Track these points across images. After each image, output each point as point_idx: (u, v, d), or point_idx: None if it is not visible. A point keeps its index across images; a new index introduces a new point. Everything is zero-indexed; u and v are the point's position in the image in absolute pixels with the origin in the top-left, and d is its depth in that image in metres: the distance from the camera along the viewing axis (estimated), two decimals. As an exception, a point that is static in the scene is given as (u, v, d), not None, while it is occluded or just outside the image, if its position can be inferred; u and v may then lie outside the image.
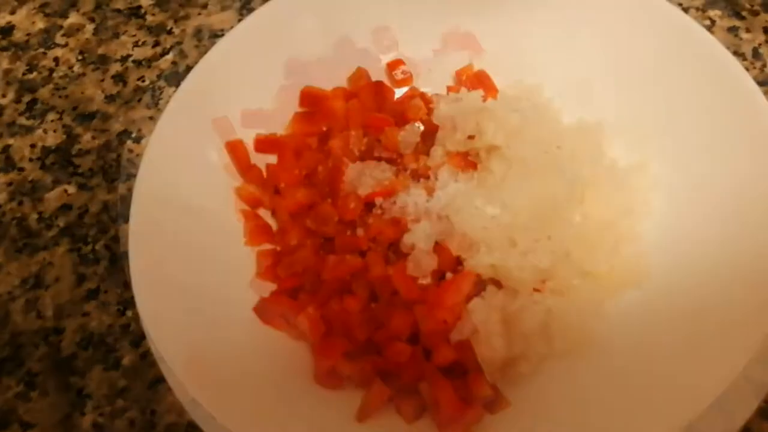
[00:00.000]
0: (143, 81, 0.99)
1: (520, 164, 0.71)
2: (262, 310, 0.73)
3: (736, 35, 0.96)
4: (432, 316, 0.68)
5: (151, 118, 0.96)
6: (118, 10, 1.07)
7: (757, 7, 0.99)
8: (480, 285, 0.70)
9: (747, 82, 0.75)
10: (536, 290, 0.70)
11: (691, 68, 0.78)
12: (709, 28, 0.96)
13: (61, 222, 0.88)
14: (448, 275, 0.70)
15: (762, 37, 0.96)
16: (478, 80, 0.86)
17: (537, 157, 0.71)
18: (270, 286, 0.76)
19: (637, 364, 0.68)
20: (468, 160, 0.77)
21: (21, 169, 0.93)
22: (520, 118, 0.74)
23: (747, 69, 0.89)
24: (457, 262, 0.71)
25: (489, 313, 0.68)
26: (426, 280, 0.70)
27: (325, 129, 0.84)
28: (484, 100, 0.78)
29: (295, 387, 0.69)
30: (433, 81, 0.88)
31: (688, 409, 0.61)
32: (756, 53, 0.94)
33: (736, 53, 0.93)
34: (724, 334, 0.65)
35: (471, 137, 0.76)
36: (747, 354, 0.62)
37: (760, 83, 0.89)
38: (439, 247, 0.71)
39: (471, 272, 0.69)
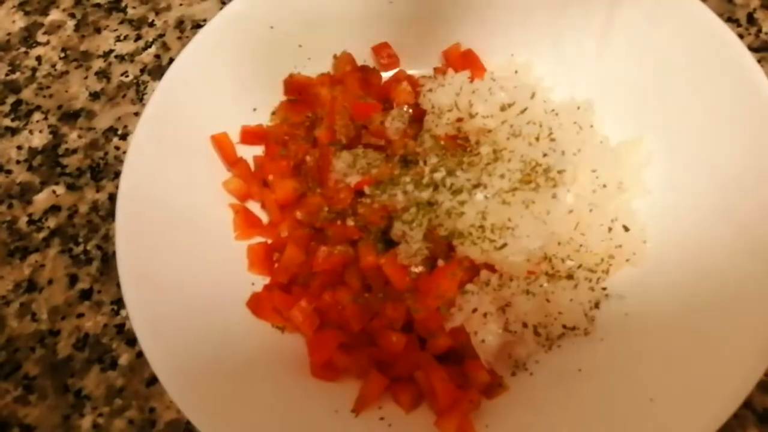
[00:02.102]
0: (127, 76, 0.98)
1: (509, 146, 0.69)
2: (255, 304, 0.72)
3: (729, 1, 0.93)
4: (425, 305, 0.67)
5: (136, 113, 0.94)
6: (99, 5, 1.05)
7: (751, -29, 0.96)
8: (473, 271, 0.69)
9: (741, 51, 0.72)
10: (531, 273, 0.69)
11: (682, 40, 0.75)
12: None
13: (51, 223, 0.87)
14: (440, 262, 0.69)
15: (756, 2, 0.93)
16: (465, 60, 0.84)
17: (527, 137, 0.70)
18: (262, 279, 0.76)
19: (637, 344, 0.67)
20: (457, 144, 0.75)
21: (8, 172, 0.92)
22: (509, 98, 0.72)
23: (741, 35, 0.88)
24: (449, 249, 0.70)
25: (483, 299, 0.67)
26: (418, 269, 0.69)
27: (311, 117, 0.83)
28: (471, 81, 0.76)
29: (291, 381, 0.69)
30: (420, 62, 0.86)
31: (689, 389, 0.61)
32: (751, 18, 0.92)
33: (730, 19, 0.91)
34: (725, 310, 0.64)
35: (459, 120, 0.75)
36: (753, 326, 0.61)
37: (755, 50, 0.88)
38: (430, 234, 0.70)
39: (463, 258, 0.68)
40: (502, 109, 0.71)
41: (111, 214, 0.87)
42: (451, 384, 0.64)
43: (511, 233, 0.66)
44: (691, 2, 0.75)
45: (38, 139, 0.94)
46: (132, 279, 0.66)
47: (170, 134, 0.76)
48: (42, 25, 1.04)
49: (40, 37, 1.03)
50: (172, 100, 0.77)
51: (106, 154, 0.92)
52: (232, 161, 0.79)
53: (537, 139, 0.69)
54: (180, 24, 1.01)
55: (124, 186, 0.71)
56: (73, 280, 0.83)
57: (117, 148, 0.92)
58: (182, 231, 0.73)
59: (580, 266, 0.69)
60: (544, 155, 0.67)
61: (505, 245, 0.66)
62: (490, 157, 0.70)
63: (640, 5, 0.78)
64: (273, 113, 0.84)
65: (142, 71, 0.98)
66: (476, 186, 0.67)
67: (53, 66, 1.00)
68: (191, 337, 0.66)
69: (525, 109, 0.71)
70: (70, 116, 0.95)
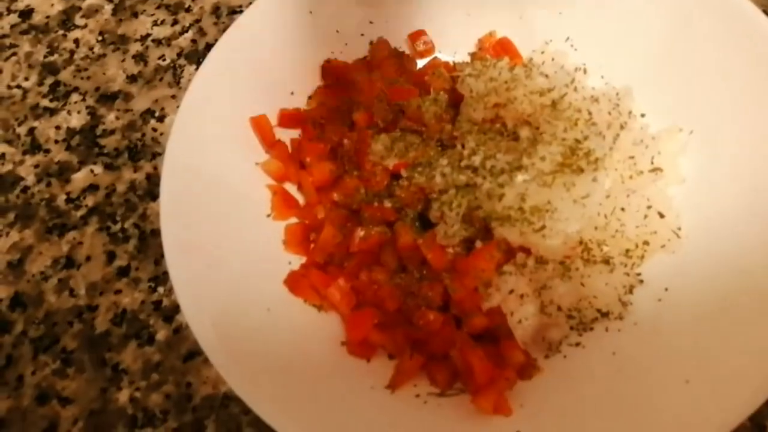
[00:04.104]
0: (164, 60, 0.99)
1: (549, 129, 0.70)
2: (292, 282, 0.73)
3: (766, -6, 0.93)
4: (462, 285, 0.68)
5: (173, 96, 0.96)
6: (136, -10, 1.06)
7: (786, -35, 0.96)
8: (510, 253, 0.70)
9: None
10: (567, 257, 0.70)
11: (722, 31, 0.76)
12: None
13: (89, 202, 0.89)
14: (478, 243, 0.70)
15: (793, -4, 0.93)
16: (501, 47, 0.85)
17: (565, 122, 0.71)
18: (298, 259, 0.77)
19: (671, 329, 0.68)
20: (495, 128, 0.76)
21: (47, 151, 0.94)
22: (548, 83, 0.73)
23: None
24: (486, 230, 0.71)
25: (520, 281, 0.68)
26: (455, 249, 0.70)
27: (347, 102, 0.84)
28: (511, 69, 0.76)
29: (328, 358, 0.70)
30: (455, 49, 0.87)
31: (725, 371, 0.61)
32: (786, 12, 0.92)
33: (767, 12, 0.91)
34: (759, 295, 0.65)
35: (497, 105, 0.75)
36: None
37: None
38: (468, 216, 0.71)
39: (501, 240, 0.69)
40: (541, 94, 0.72)
41: (149, 194, 0.88)
42: (488, 362, 0.65)
43: (550, 216, 0.67)
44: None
45: (76, 119, 0.96)
46: (176, 255, 0.68)
47: (211, 115, 0.77)
48: (80, 8, 1.06)
49: (78, 21, 1.05)
50: (214, 82, 0.78)
51: (143, 135, 0.93)
52: (271, 143, 0.80)
53: (576, 123, 0.70)
54: (216, 10, 1.03)
55: (168, 163, 0.72)
56: (111, 257, 0.85)
57: (154, 129, 0.93)
58: (222, 209, 0.74)
59: (616, 251, 0.70)
60: (585, 138, 0.68)
61: (543, 228, 0.67)
62: (529, 140, 0.70)
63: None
64: (310, 97, 0.86)
65: (178, 55, 0.99)
66: (517, 168, 0.68)
67: (91, 49, 1.02)
68: (232, 312, 0.68)
69: (565, 94, 0.72)
70: (108, 98, 0.97)
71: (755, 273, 0.67)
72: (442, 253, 0.70)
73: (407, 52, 0.88)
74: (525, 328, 0.67)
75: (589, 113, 0.70)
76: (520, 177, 0.67)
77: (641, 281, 0.71)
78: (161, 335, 0.79)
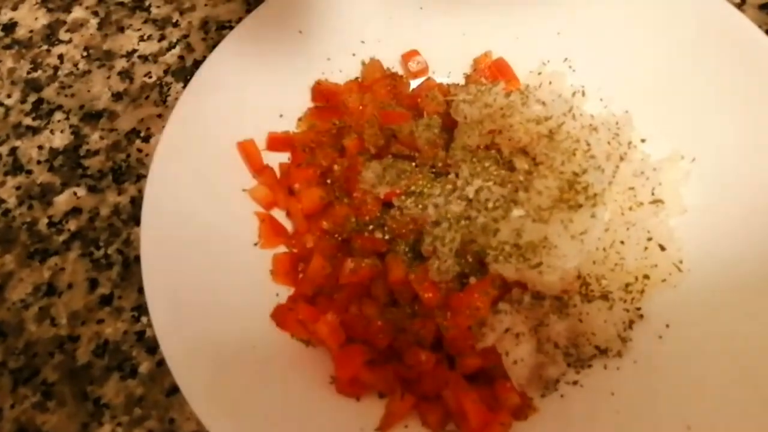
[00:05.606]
0: (150, 77, 0.96)
1: (546, 161, 0.67)
2: (279, 316, 0.71)
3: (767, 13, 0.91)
4: (456, 323, 0.65)
5: (159, 116, 0.93)
6: (122, 3, 1.03)
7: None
8: (505, 289, 0.67)
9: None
10: (564, 292, 0.67)
11: (726, 53, 0.74)
12: (740, 6, 0.91)
13: (71, 226, 0.86)
14: (472, 279, 0.67)
15: (797, 14, 0.91)
16: (497, 69, 0.82)
17: (563, 152, 0.68)
18: (287, 289, 0.74)
19: (672, 368, 0.65)
20: (490, 155, 0.73)
21: (29, 172, 0.91)
22: (546, 111, 0.70)
23: (782, 50, 0.85)
24: (481, 265, 0.68)
25: (516, 319, 0.65)
26: (448, 285, 0.68)
27: (338, 124, 0.81)
28: (507, 95, 0.73)
29: (315, 396, 0.67)
30: (450, 69, 0.85)
31: (728, 416, 0.59)
32: (791, 32, 0.89)
33: (769, 32, 0.89)
34: (763, 334, 0.63)
35: (492, 131, 0.73)
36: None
37: (797, 65, 0.85)
38: (461, 250, 0.68)
39: (496, 275, 0.67)
40: (538, 122, 0.70)
41: (133, 218, 0.85)
42: (482, 406, 0.62)
43: (547, 252, 0.64)
44: (733, 16, 0.74)
45: (59, 139, 0.93)
46: (156, 286, 0.65)
47: (196, 140, 0.75)
48: (65, 22, 1.03)
49: (63, 35, 1.02)
50: (199, 105, 0.76)
51: (128, 156, 0.90)
52: (258, 169, 0.78)
53: (574, 154, 0.67)
54: (204, 25, 1.00)
55: (150, 192, 0.70)
56: (94, 284, 0.82)
57: (139, 150, 0.90)
58: (207, 238, 0.72)
59: (615, 286, 0.67)
60: (584, 172, 0.65)
61: (540, 264, 0.64)
62: (525, 171, 0.68)
63: (679, 19, 0.76)
64: (300, 120, 0.83)
65: (165, 72, 0.96)
66: (512, 202, 0.66)
67: (75, 65, 0.99)
68: (214, 347, 0.65)
69: (562, 123, 0.69)
70: (92, 117, 0.94)
71: (758, 311, 0.65)
72: (434, 289, 0.67)
73: (400, 72, 0.86)
74: (521, 368, 0.65)
75: (588, 144, 0.67)
76: (515, 212, 0.65)
77: (641, 316, 0.69)
78: (144, 368, 0.77)
